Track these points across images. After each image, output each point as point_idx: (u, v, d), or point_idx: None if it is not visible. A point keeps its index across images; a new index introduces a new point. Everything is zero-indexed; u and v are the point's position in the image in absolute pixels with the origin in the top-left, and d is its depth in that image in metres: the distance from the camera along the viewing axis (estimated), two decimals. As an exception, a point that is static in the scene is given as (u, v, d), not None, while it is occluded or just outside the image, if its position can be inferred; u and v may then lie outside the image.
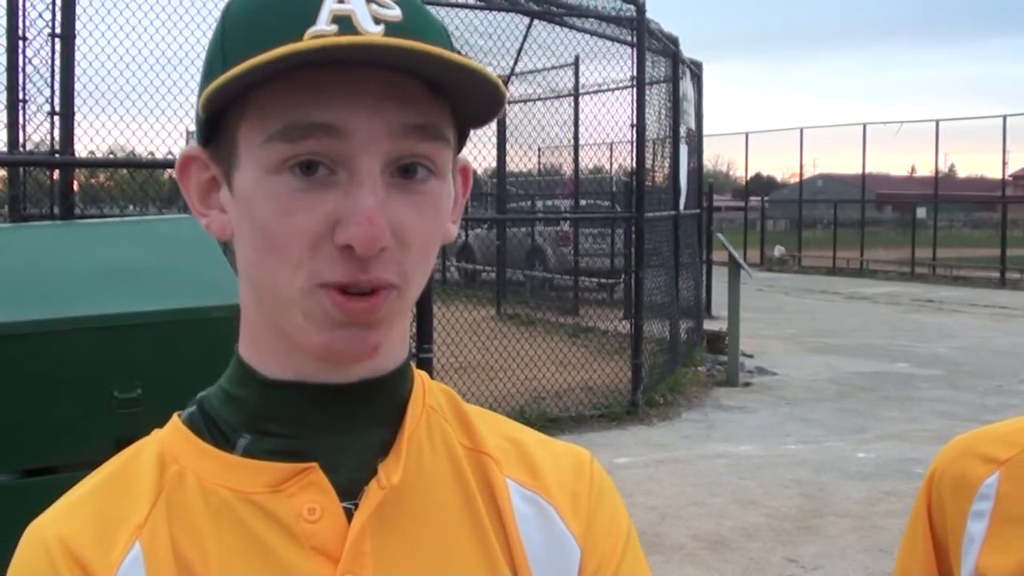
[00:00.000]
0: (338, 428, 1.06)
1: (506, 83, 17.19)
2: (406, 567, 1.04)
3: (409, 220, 0.99)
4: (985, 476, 1.54)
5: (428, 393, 1.14)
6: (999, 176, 35.81)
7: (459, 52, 0.98)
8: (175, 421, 1.10)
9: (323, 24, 0.95)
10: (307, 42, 0.93)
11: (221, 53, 1.00)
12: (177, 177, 1.09)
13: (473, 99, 1.00)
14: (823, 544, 7.25)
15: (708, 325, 16.69)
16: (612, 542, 1.15)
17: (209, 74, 1.00)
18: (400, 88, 0.97)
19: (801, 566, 6.80)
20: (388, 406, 1.09)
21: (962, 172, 68.01)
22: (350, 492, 1.04)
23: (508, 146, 17.78)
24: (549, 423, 10.31)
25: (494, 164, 18.39)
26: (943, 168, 46.39)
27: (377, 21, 0.97)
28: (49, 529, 1.02)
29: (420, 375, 1.14)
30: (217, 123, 1.01)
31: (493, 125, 17.25)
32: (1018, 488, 1.52)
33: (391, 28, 0.97)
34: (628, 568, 1.14)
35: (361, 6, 0.97)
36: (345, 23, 0.96)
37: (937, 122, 34.73)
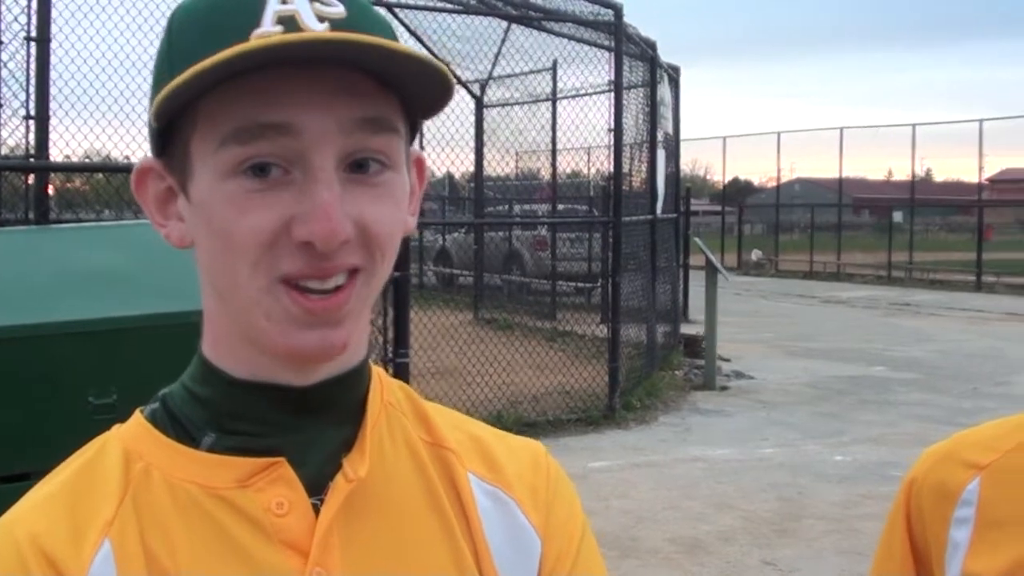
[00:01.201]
0: (302, 426, 1.06)
1: (484, 87, 17.21)
2: (375, 559, 1.06)
3: (369, 210, 0.99)
4: (966, 482, 1.54)
5: (386, 389, 1.15)
6: (976, 180, 35.96)
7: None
8: (138, 417, 1.09)
9: (268, 25, 0.97)
10: (252, 43, 0.94)
11: (168, 61, 1.01)
12: (133, 190, 1.09)
13: (422, 90, 1.01)
14: (800, 547, 7.27)
15: (685, 329, 16.71)
16: (569, 534, 1.17)
17: (158, 83, 1.01)
18: (349, 83, 0.98)
19: (778, 569, 6.81)
20: (350, 403, 1.10)
21: (939, 176, 68.13)
22: (316, 487, 1.05)
23: (486, 150, 17.79)
24: (526, 427, 10.30)
25: (472, 168, 18.40)
26: (920, 172, 46.60)
27: (321, 19, 0.98)
28: (19, 526, 1.02)
29: (377, 371, 1.15)
30: (170, 133, 1.02)
31: (471, 129, 17.24)
32: (1000, 492, 1.52)
33: (335, 25, 0.98)
34: (585, 559, 1.17)
35: (304, 5, 0.98)
36: (290, 23, 0.97)
37: (914, 126, 34.95)
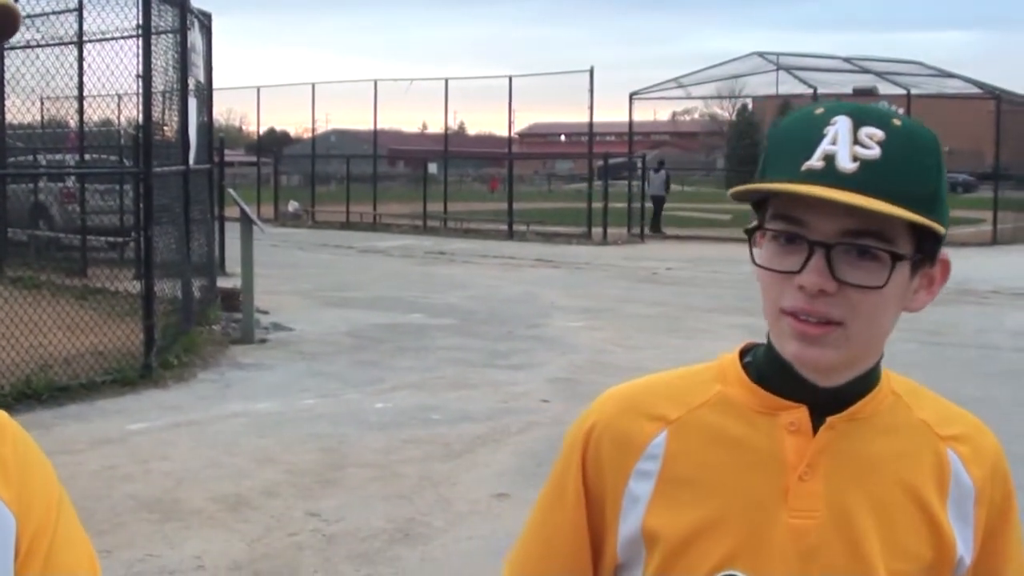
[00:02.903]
0: None
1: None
2: None
3: None
4: (653, 435, 1.52)
5: None
6: (506, 134, 37.39)
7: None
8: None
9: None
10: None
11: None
12: None
13: None
14: (344, 496, 7.27)
15: (222, 282, 16.38)
16: (46, 505, 1.11)
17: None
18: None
19: (323, 519, 6.78)
20: None
21: (472, 129, 70.47)
22: None
23: (7, 96, 16.75)
24: (59, 392, 9.76)
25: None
26: (453, 125, 47.92)
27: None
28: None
29: None
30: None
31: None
32: (686, 448, 1.51)
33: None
34: (65, 529, 1.12)
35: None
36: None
37: (446, 80, 35.79)
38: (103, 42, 14.44)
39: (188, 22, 13.59)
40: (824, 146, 1.37)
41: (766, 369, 1.50)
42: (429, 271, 22.52)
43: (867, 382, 1.49)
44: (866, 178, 1.35)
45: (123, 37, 13.57)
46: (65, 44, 16.16)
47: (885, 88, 34.15)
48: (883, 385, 1.51)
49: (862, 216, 1.34)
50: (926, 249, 1.43)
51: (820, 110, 1.42)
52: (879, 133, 1.37)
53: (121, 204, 18.39)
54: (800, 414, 1.47)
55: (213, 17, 16.76)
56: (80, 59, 16.05)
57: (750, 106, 67.38)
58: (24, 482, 1.08)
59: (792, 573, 1.44)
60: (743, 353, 1.56)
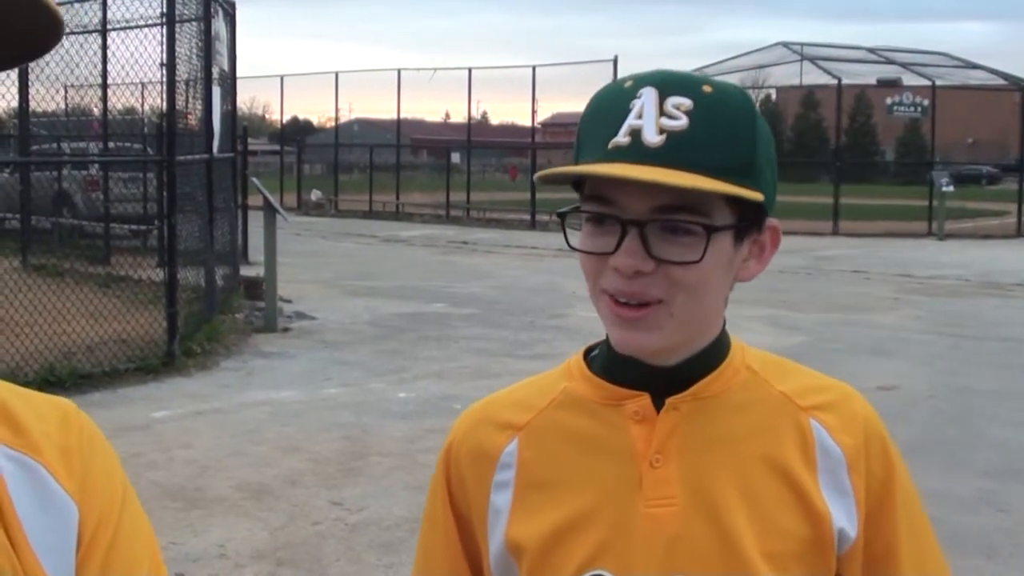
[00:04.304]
0: None
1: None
2: None
3: None
4: (504, 444, 1.49)
5: None
6: (529, 123, 37.37)
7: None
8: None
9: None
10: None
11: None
12: None
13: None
14: (367, 485, 7.29)
15: (245, 271, 16.43)
16: (110, 495, 1.09)
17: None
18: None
19: (346, 508, 6.80)
20: None
21: (495, 119, 70.37)
22: None
23: (31, 84, 16.80)
24: (82, 380, 9.82)
25: (15, 103, 17.33)
26: (476, 115, 47.93)
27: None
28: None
29: None
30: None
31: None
32: (538, 453, 1.47)
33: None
34: (129, 519, 1.10)
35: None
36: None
37: (470, 70, 35.77)
38: (127, 30, 14.49)
39: (212, 10, 13.63)
40: (630, 120, 1.31)
41: (608, 360, 1.45)
42: (451, 261, 22.53)
43: (709, 359, 1.43)
44: (672, 151, 1.30)
45: (147, 25, 13.64)
46: (89, 32, 16.21)
47: (909, 79, 34.01)
48: (734, 361, 1.46)
49: (672, 191, 1.29)
50: (750, 217, 1.37)
51: (629, 83, 1.36)
52: (686, 102, 1.31)
53: (144, 192, 18.45)
54: (643, 401, 1.42)
55: (237, 5, 16.80)
56: (104, 47, 16.11)
57: (774, 97, 67.20)
58: (87, 472, 1.07)
59: (660, 564, 1.38)
60: (591, 348, 1.51)
